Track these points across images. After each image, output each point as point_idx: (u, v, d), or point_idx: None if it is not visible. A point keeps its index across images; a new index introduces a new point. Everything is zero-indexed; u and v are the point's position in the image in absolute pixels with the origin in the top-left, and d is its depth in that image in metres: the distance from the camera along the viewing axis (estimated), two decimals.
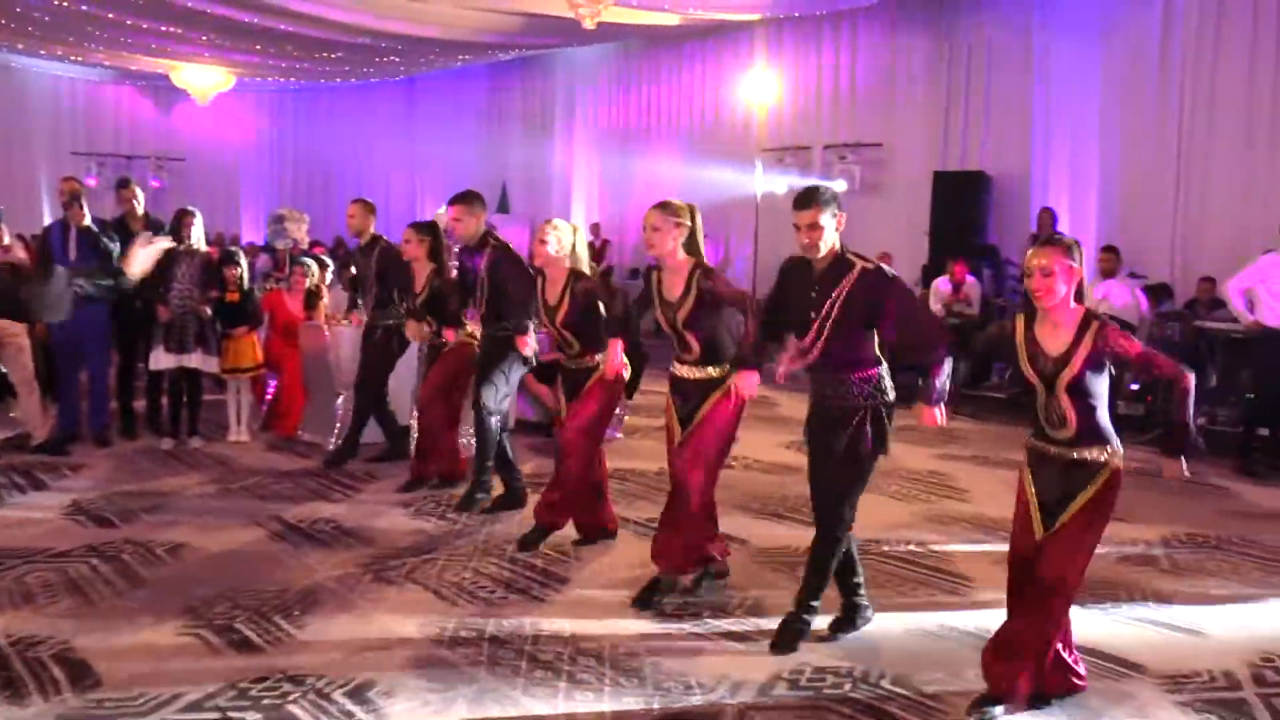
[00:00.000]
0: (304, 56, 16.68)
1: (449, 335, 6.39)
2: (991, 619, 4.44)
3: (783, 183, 14.85)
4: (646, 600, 4.66)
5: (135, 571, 5.00)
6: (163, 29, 14.23)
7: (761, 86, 14.60)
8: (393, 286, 7.06)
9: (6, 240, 7.12)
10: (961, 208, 12.47)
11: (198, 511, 6.05)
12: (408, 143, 21.21)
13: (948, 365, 4.01)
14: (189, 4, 12.65)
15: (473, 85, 19.82)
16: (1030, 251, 3.63)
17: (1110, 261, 9.71)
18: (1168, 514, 6.34)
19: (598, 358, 5.29)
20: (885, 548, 5.55)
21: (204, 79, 17.32)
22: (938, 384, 3.98)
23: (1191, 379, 3.58)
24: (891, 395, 4.18)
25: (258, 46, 15.58)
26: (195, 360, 7.53)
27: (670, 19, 14.09)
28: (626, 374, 5.31)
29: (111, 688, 3.74)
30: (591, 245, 16.02)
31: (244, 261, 8.17)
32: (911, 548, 5.63)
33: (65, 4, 12.95)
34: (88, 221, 7.42)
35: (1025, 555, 3.69)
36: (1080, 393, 3.56)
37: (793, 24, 14.63)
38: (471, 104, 19.94)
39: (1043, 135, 12.43)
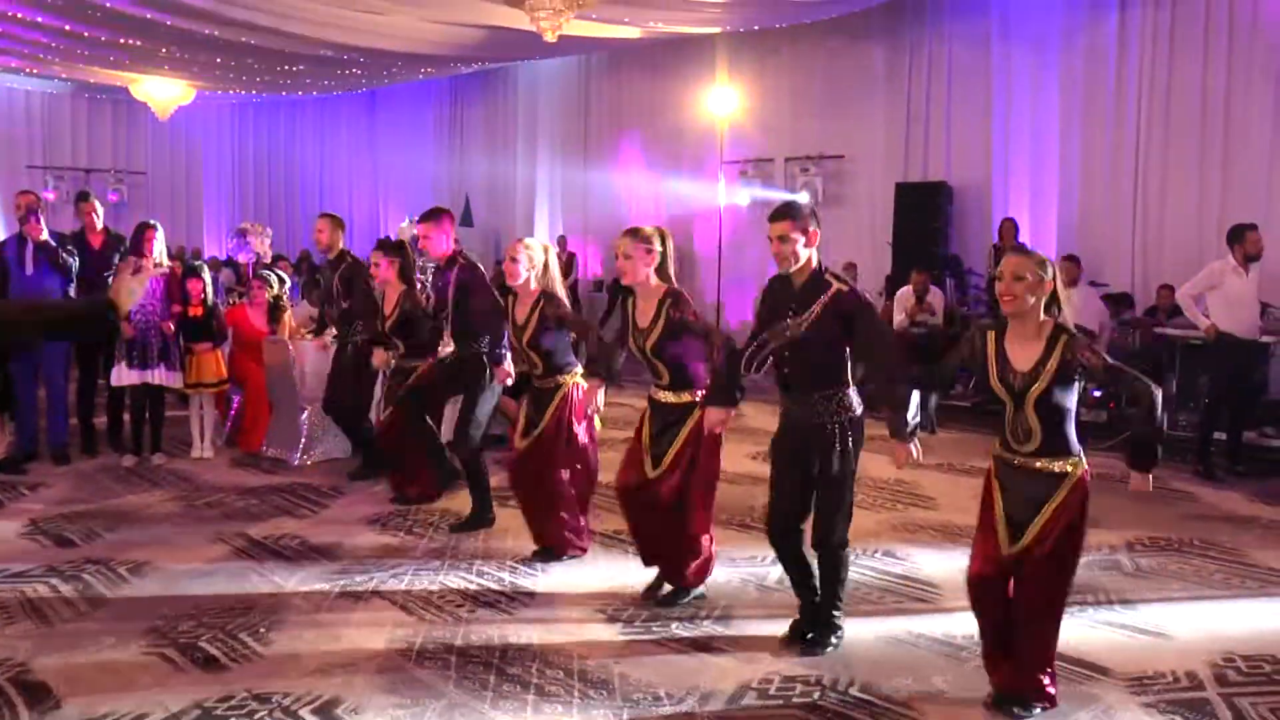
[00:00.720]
0: (265, 69, 16.56)
1: (376, 356, 6.54)
2: (960, 625, 4.49)
3: (745, 195, 14.93)
4: (660, 600, 4.85)
5: (97, 591, 4.93)
6: (121, 41, 14.08)
7: (723, 99, 14.67)
8: (356, 306, 7.05)
9: None
10: (924, 218, 12.58)
11: (161, 529, 5.98)
12: (370, 155, 21.12)
13: (916, 399, 3.99)
14: (148, 15, 12.53)
15: (435, 98, 19.77)
16: (1005, 257, 3.69)
17: (1071, 270, 9.82)
18: (1130, 518, 6.41)
19: (563, 379, 5.33)
20: (853, 556, 5.54)
21: (164, 92, 17.14)
22: (909, 419, 3.98)
23: (1159, 393, 3.63)
24: (858, 411, 4.20)
25: (218, 59, 15.45)
26: (158, 376, 7.44)
27: (631, 32, 14.12)
28: (598, 417, 5.43)
29: (72, 710, 3.68)
30: (571, 257, 16.09)
31: (208, 276, 8.10)
32: (879, 556, 5.65)
33: (19, 15, 12.79)
34: (45, 236, 7.32)
35: (990, 568, 3.73)
36: (1048, 408, 3.61)
37: (754, 37, 14.71)
38: (434, 117, 19.89)
39: (1003, 146, 12.57)
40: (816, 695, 3.89)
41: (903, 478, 7.35)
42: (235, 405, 8.48)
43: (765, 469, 7.42)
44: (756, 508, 6.52)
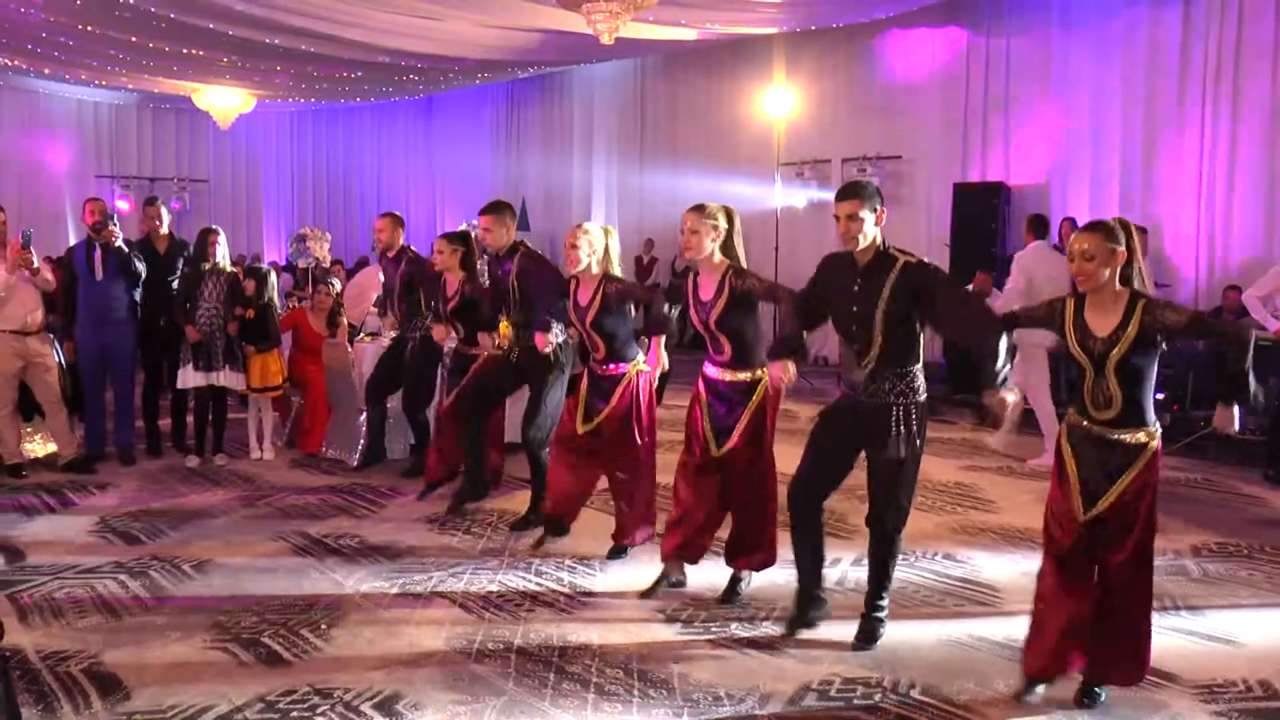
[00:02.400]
0: (324, 77, 16.80)
1: (482, 340, 6.30)
2: (1021, 629, 4.41)
3: (802, 196, 14.86)
4: (732, 597, 4.88)
5: (162, 587, 5.03)
6: (185, 52, 14.36)
7: (780, 100, 14.61)
8: (421, 297, 7.11)
9: (36, 264, 7.20)
10: (982, 219, 12.44)
11: (223, 528, 6.08)
12: (427, 161, 21.32)
13: (1004, 347, 3.96)
14: (210, 26, 12.77)
15: (491, 103, 19.91)
16: (1073, 236, 3.68)
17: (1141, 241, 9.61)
18: (1197, 523, 6.28)
19: (624, 367, 5.31)
20: (912, 559, 5.51)
21: (225, 101, 17.45)
22: (998, 368, 3.94)
23: (1251, 333, 3.62)
24: (923, 395, 4.19)
25: (278, 67, 15.70)
26: (222, 378, 7.57)
27: (688, 34, 14.12)
28: (659, 371, 5.37)
29: (141, 701, 3.75)
30: (639, 260, 16.09)
31: (274, 280, 8.21)
32: (939, 559, 5.59)
33: (90, 29, 13.09)
34: (119, 242, 7.47)
35: (1064, 533, 3.75)
36: (1129, 373, 3.60)
37: (810, 37, 14.65)
38: (490, 121, 20.03)
39: (1062, 146, 12.38)
40: (877, 697, 3.85)
41: (962, 480, 7.27)
42: (295, 407, 8.60)
43: None
44: None
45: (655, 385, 5.50)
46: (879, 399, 4.14)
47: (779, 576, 5.16)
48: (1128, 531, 3.67)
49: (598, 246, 5.31)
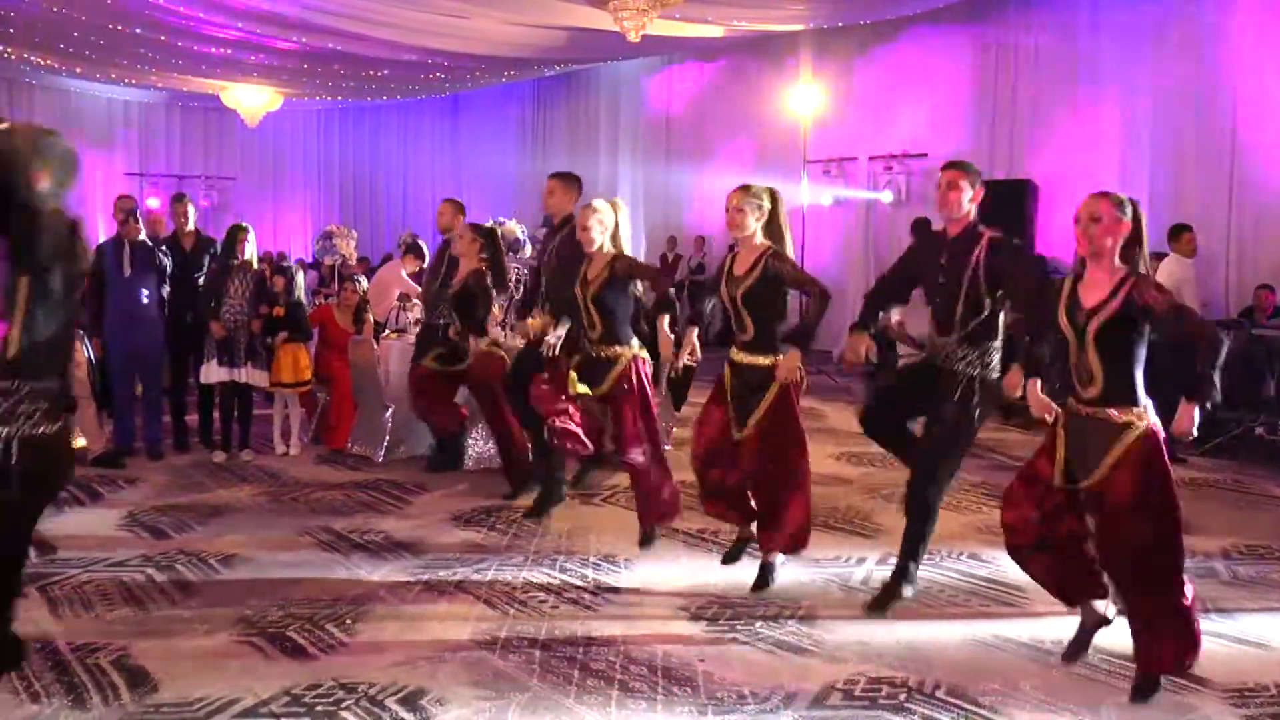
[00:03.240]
0: (350, 75, 16.88)
1: (519, 328, 6.39)
2: (1048, 630, 4.40)
3: (828, 194, 14.81)
4: (764, 583, 4.91)
5: (189, 581, 5.06)
6: (213, 51, 14.47)
7: (806, 98, 14.57)
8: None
9: None
10: (1009, 217, 12.33)
11: (250, 522, 6.11)
12: (453, 159, 21.39)
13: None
14: (239, 25, 12.86)
15: (517, 101, 19.95)
16: (1084, 201, 3.73)
17: (1192, 241, 9.50)
18: (1227, 525, 6.21)
19: (620, 349, 5.28)
20: (939, 558, 5.47)
21: (253, 99, 17.59)
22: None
23: (1223, 338, 3.59)
24: (995, 374, 4.32)
25: (305, 66, 15.80)
26: (246, 374, 7.62)
27: (714, 31, 14.11)
28: (681, 363, 5.17)
29: (169, 693, 3.78)
30: (664, 258, 16.07)
31: (300, 278, 8.26)
32: (964, 559, 5.55)
33: (120, 28, 13.22)
34: (143, 236, 7.53)
35: (1037, 498, 3.89)
36: (1109, 345, 3.61)
37: (837, 34, 14.60)
38: (516, 120, 20.07)
39: (1090, 143, 12.27)
40: (903, 697, 3.83)
41: (987, 479, 7.22)
42: (320, 404, 8.64)
43: (849, 469, 7.42)
44: (840, 508, 6.46)
45: (652, 371, 5.50)
46: (950, 365, 4.35)
47: (803, 575, 5.16)
48: (1128, 517, 3.64)
49: (608, 223, 5.33)
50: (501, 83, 19.09)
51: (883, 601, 4.63)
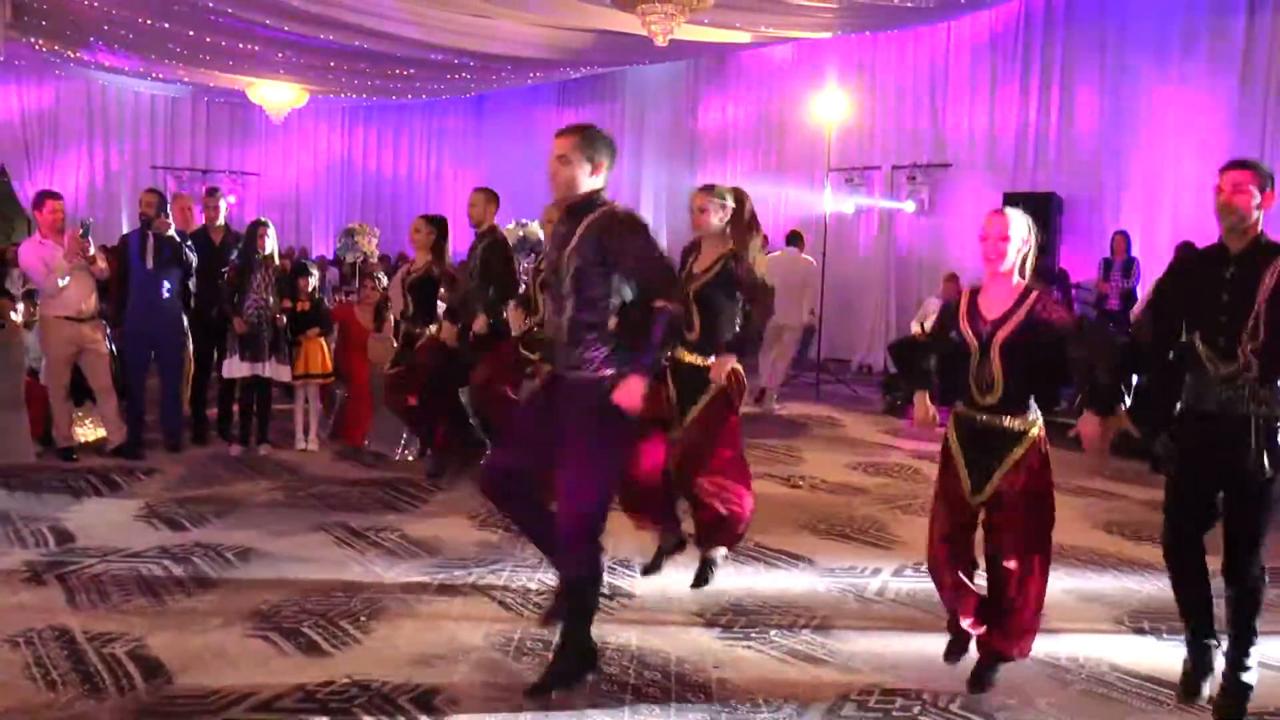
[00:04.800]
0: (376, 74, 16.94)
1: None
2: (1063, 646, 4.38)
3: (850, 203, 14.76)
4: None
5: (205, 573, 5.08)
6: (240, 47, 14.55)
7: (832, 105, 14.53)
8: (490, 280, 7.00)
9: (92, 251, 7.31)
10: None
11: (266, 517, 6.13)
12: (476, 159, 21.42)
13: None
14: (267, 22, 12.92)
15: (542, 102, 19.97)
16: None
17: None
18: None
19: (711, 360, 4.85)
20: None
21: (279, 95, 17.65)
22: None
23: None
24: None
25: (331, 64, 15.86)
26: (268, 369, 7.65)
27: (742, 37, 14.10)
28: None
29: (183, 685, 3.79)
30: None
31: (315, 272, 8.31)
32: (978, 573, 5.51)
33: (149, 22, 13.30)
34: (172, 231, 7.57)
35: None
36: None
37: (864, 42, 14.56)
38: (541, 121, 20.09)
39: (1116, 155, 12.17)
40: (917, 709, 3.81)
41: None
42: (339, 400, 8.67)
43: (864, 479, 7.38)
44: (856, 518, 6.43)
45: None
46: (1234, 408, 3.64)
47: (819, 584, 5.14)
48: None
49: (729, 211, 4.96)
50: (527, 84, 19.11)
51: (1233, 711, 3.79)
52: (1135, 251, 11.19)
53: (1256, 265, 3.65)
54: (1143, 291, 10.77)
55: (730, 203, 4.91)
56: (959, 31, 13.60)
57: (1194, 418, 3.80)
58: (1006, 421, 3.78)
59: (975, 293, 3.91)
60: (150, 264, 7.51)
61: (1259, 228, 3.72)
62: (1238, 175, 3.70)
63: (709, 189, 4.99)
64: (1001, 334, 3.73)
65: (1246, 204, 3.67)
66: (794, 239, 11.26)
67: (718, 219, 4.90)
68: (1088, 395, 3.90)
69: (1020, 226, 3.82)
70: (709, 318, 4.84)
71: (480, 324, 6.87)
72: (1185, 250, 8.17)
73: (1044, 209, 12.28)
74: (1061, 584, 5.25)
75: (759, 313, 4.84)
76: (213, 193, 8.47)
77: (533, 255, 8.66)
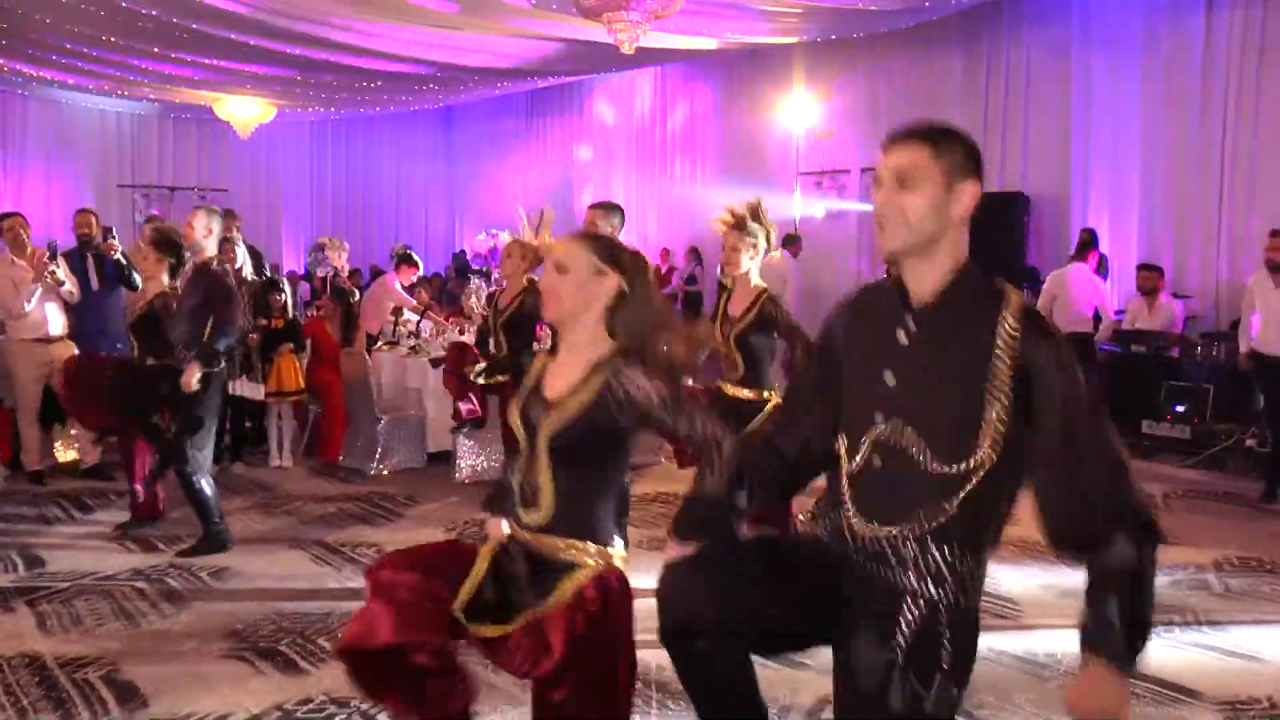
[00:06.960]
0: (343, 86, 16.88)
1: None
2: (1041, 643, 4.41)
3: (820, 206, 14.83)
4: None
5: (180, 594, 5.04)
6: (206, 61, 14.46)
7: (799, 110, 14.60)
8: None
9: (61, 275, 7.25)
10: (1000, 229, 12.35)
11: (241, 536, 6.07)
12: (447, 170, 21.39)
13: None
14: (232, 36, 12.85)
15: (511, 112, 19.97)
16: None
17: (1151, 280, 9.61)
18: (1217, 537, 6.20)
19: (766, 394, 4.82)
20: None
21: (246, 111, 17.56)
22: None
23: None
24: None
25: (298, 76, 15.79)
26: (240, 387, 7.59)
27: (708, 44, 14.13)
28: None
29: (159, 709, 3.76)
30: (656, 270, 16.07)
31: (288, 289, 8.26)
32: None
33: (113, 40, 13.20)
34: (118, 255, 7.54)
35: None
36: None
37: (830, 47, 14.63)
38: (510, 131, 20.09)
39: (1082, 155, 12.28)
40: None
41: None
42: (312, 417, 8.62)
43: None
44: None
45: None
46: None
47: None
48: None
49: (762, 248, 4.89)
50: (495, 93, 19.10)
51: None
52: (1104, 248, 11.29)
53: None
54: (1111, 286, 10.89)
55: (762, 242, 4.78)
56: (925, 34, 13.68)
57: None
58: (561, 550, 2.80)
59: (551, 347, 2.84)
60: (95, 285, 7.48)
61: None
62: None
63: (741, 227, 4.73)
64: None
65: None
66: (789, 241, 11.38)
67: (749, 257, 4.77)
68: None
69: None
70: (753, 362, 4.82)
71: None
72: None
73: (1012, 208, 12.40)
74: (1037, 579, 5.29)
75: (804, 356, 4.44)
76: (196, 213, 8.43)
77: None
